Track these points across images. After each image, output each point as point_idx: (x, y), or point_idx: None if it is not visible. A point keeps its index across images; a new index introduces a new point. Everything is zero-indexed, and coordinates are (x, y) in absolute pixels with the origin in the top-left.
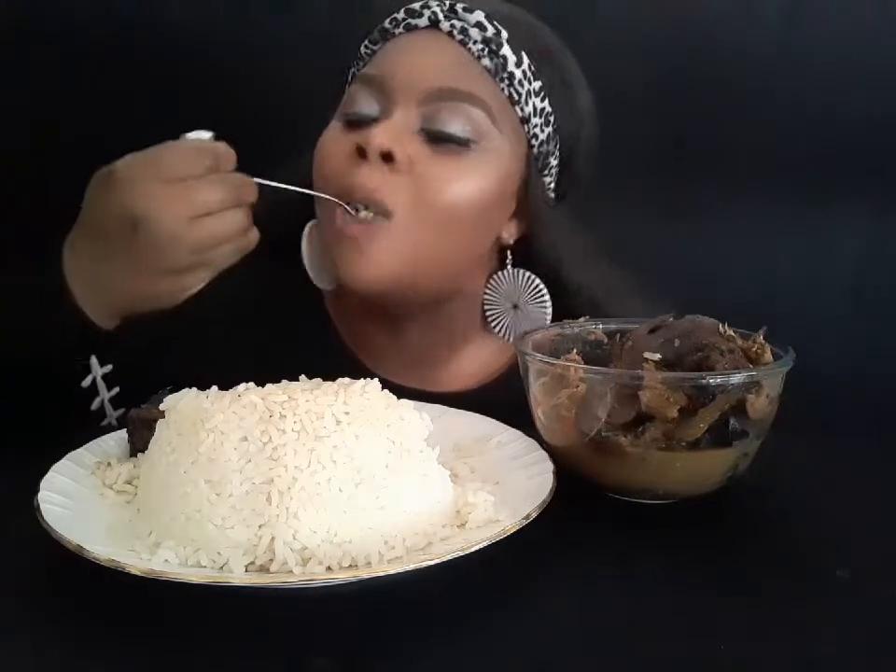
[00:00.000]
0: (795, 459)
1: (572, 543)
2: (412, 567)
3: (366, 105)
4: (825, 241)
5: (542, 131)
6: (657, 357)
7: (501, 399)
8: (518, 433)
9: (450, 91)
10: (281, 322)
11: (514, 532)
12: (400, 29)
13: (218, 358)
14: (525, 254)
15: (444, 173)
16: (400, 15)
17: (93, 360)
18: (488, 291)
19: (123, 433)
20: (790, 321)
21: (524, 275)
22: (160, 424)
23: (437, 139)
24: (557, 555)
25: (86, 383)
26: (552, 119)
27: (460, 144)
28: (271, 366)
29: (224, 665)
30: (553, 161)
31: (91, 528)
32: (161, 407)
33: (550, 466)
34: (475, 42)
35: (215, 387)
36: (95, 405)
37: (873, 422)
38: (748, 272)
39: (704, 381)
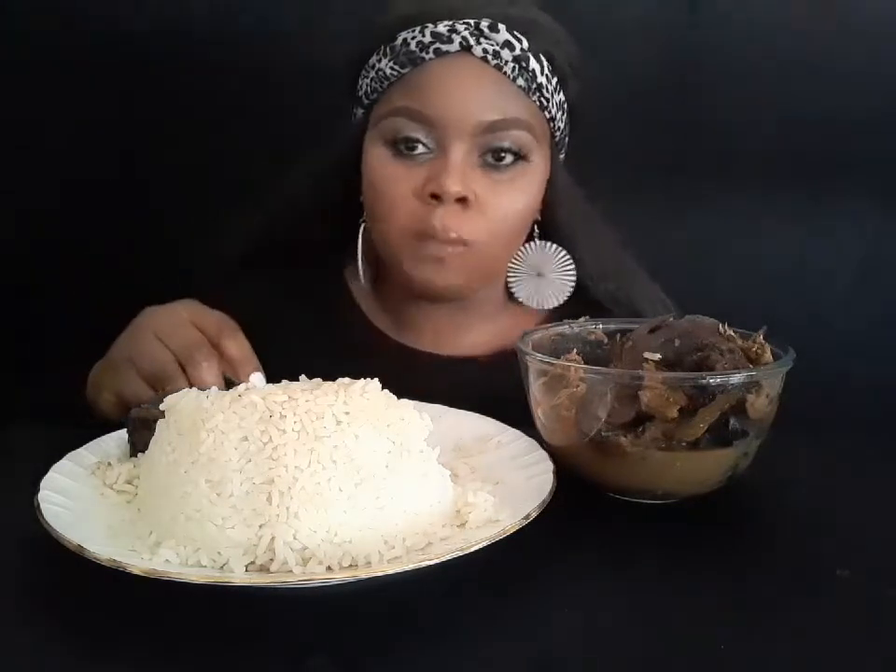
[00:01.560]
0: (795, 459)
1: (572, 543)
2: (411, 566)
3: (418, 139)
4: (826, 240)
5: (562, 119)
6: (657, 357)
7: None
8: (518, 433)
9: (501, 122)
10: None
11: (514, 532)
12: (430, 54)
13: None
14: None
15: (504, 198)
16: (427, 38)
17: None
18: (514, 262)
19: (123, 433)
20: (790, 321)
21: (550, 247)
22: (160, 424)
23: (492, 167)
24: (557, 555)
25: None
26: (566, 105)
27: (516, 156)
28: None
29: (224, 664)
30: (567, 130)
31: (91, 528)
32: (161, 407)
33: (550, 466)
34: (507, 63)
35: (214, 387)
36: None
37: (873, 421)
38: (748, 271)
39: (704, 381)
